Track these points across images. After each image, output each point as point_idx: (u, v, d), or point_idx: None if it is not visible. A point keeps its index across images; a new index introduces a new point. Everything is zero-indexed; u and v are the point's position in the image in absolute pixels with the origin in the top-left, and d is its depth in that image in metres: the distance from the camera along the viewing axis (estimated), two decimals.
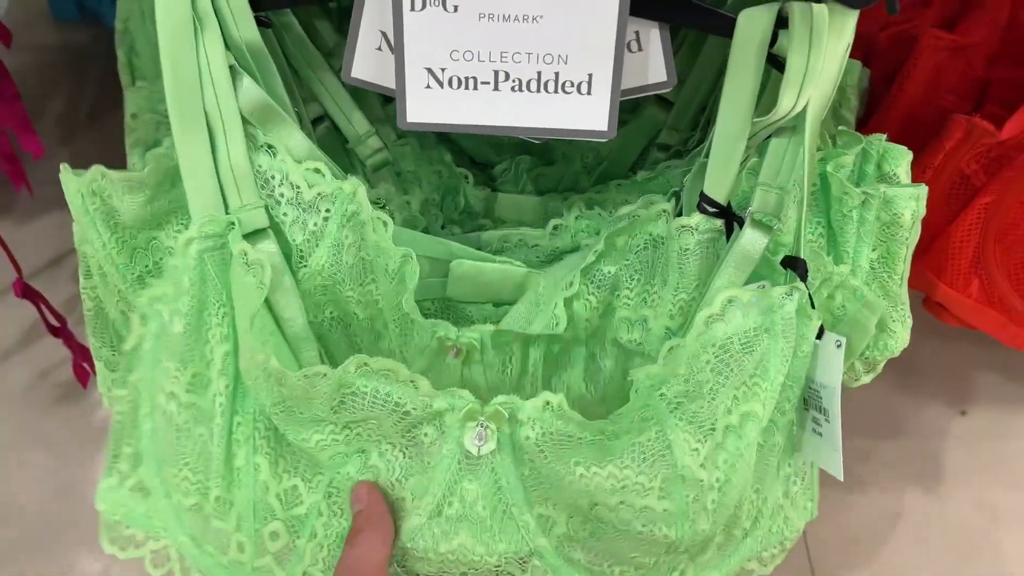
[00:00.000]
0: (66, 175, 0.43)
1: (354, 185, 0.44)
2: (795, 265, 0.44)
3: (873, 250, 0.49)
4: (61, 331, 0.66)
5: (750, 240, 0.44)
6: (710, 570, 0.48)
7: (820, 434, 0.48)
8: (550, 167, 0.62)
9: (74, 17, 1.17)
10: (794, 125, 0.44)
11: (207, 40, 0.43)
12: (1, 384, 0.88)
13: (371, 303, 0.46)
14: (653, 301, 0.47)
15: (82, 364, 0.70)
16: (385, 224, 0.45)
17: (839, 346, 0.45)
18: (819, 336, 0.45)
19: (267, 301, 0.45)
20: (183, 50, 0.42)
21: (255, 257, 0.43)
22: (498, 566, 0.44)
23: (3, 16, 1.09)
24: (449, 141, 0.62)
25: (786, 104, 0.41)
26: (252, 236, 0.44)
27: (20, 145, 0.72)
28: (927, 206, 0.61)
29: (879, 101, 0.63)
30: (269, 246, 0.45)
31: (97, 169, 0.43)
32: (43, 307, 0.65)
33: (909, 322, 0.52)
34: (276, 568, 0.46)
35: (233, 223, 0.43)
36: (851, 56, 0.54)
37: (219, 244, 0.43)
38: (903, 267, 0.50)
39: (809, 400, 0.48)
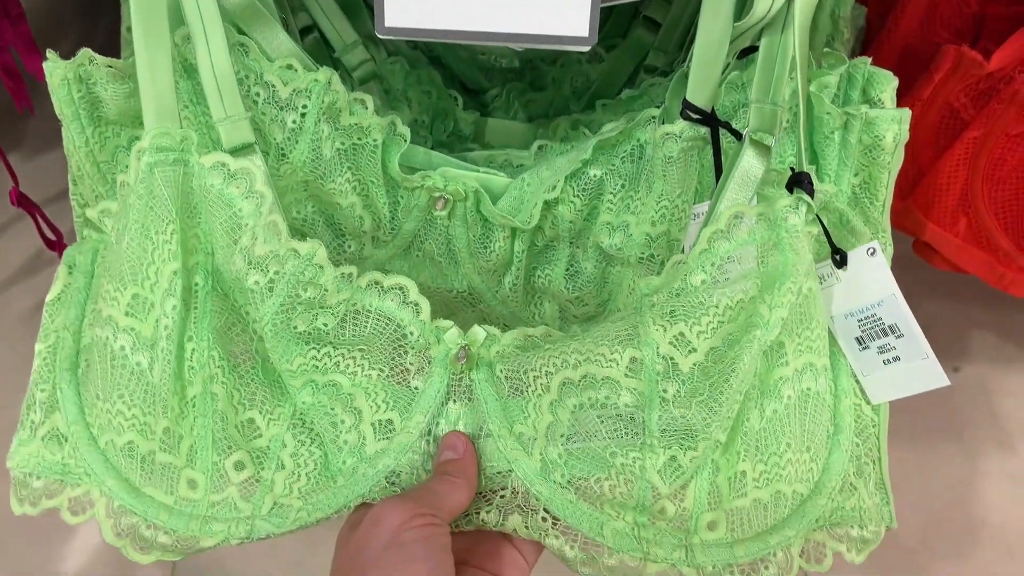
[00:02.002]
0: (51, 62, 0.43)
1: (328, 74, 0.44)
2: (800, 180, 0.43)
3: (855, 175, 0.49)
4: (58, 244, 0.67)
5: (751, 160, 0.44)
6: (761, 531, 0.43)
7: (898, 358, 0.44)
8: (540, 93, 0.62)
9: None
10: (782, 34, 0.44)
11: None
12: (4, 311, 0.90)
13: (352, 190, 0.47)
14: (636, 207, 0.47)
15: None
16: (364, 102, 0.45)
17: (872, 253, 0.43)
18: (843, 263, 0.43)
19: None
20: None
21: (240, 166, 0.42)
22: (480, 480, 0.44)
23: None
24: (439, 64, 0.62)
25: (762, 5, 0.41)
26: (237, 152, 0.43)
27: (25, 67, 0.73)
28: (916, 142, 0.61)
29: (874, 39, 0.63)
30: (255, 163, 0.43)
31: (85, 52, 0.43)
32: (39, 219, 0.66)
33: (890, 251, 0.52)
34: (240, 501, 0.44)
35: (189, 137, 0.42)
36: None
37: (171, 159, 0.42)
38: (885, 193, 0.49)
39: (865, 334, 0.45)
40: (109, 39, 0.49)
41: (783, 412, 0.42)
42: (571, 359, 0.42)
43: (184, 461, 0.43)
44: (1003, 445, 0.83)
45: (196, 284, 0.44)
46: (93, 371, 0.44)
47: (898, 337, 0.44)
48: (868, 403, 0.48)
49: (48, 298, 0.47)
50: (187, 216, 0.43)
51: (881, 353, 0.45)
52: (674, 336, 0.41)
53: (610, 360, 0.41)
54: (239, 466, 0.43)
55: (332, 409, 0.43)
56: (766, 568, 0.43)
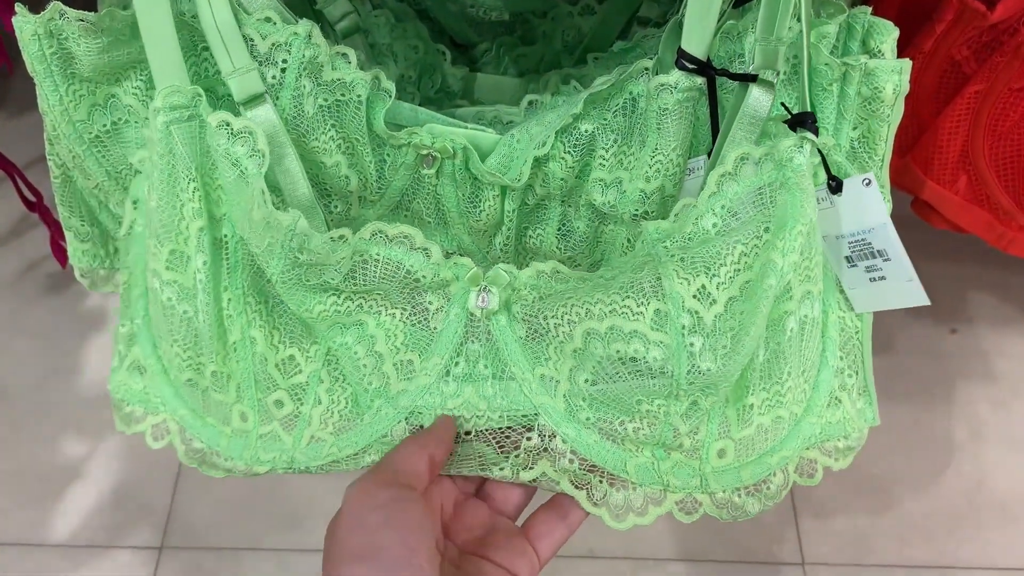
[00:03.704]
0: (21, 17, 0.42)
1: (308, 27, 0.43)
2: (803, 120, 0.42)
3: (854, 128, 0.48)
4: (37, 206, 0.66)
5: (756, 99, 0.43)
6: (762, 454, 0.46)
7: (884, 278, 0.46)
8: (531, 47, 0.60)
9: None
10: None
11: None
12: None
13: (337, 148, 0.46)
14: (629, 163, 0.46)
15: (60, 243, 0.70)
16: (346, 56, 0.44)
17: (868, 184, 0.44)
18: (838, 190, 0.44)
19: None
20: None
21: (241, 125, 0.42)
22: (501, 424, 0.45)
23: None
24: (427, 18, 0.61)
25: None
26: (249, 103, 0.43)
27: (3, 25, 0.71)
28: (916, 97, 0.59)
29: None
30: (267, 112, 0.43)
31: (55, 6, 0.42)
32: (18, 179, 0.64)
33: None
34: (283, 433, 0.47)
35: (199, 93, 0.42)
36: None
37: (185, 116, 0.42)
38: (884, 147, 0.48)
39: (855, 254, 0.46)
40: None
41: (786, 343, 0.44)
42: (595, 310, 0.42)
43: (234, 398, 0.46)
44: (999, 405, 0.83)
45: (225, 235, 0.44)
46: (154, 314, 0.47)
47: (885, 260, 0.46)
48: (851, 311, 0.49)
49: (120, 233, 0.48)
50: (208, 170, 0.43)
51: (868, 272, 0.46)
52: (697, 290, 0.41)
53: (636, 313, 0.42)
54: (279, 404, 0.46)
55: (355, 352, 0.45)
56: (768, 487, 0.46)
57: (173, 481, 0.77)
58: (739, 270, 0.41)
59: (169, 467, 0.77)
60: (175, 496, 0.76)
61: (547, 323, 0.44)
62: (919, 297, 0.45)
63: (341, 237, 0.42)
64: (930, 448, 0.80)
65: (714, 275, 0.41)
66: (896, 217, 0.51)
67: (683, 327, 0.41)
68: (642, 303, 0.42)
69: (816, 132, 0.42)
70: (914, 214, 0.66)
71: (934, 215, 0.64)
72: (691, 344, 0.41)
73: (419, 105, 0.54)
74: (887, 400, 0.83)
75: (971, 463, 0.80)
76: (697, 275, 0.41)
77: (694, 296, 0.41)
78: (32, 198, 0.67)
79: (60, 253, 0.71)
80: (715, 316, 0.41)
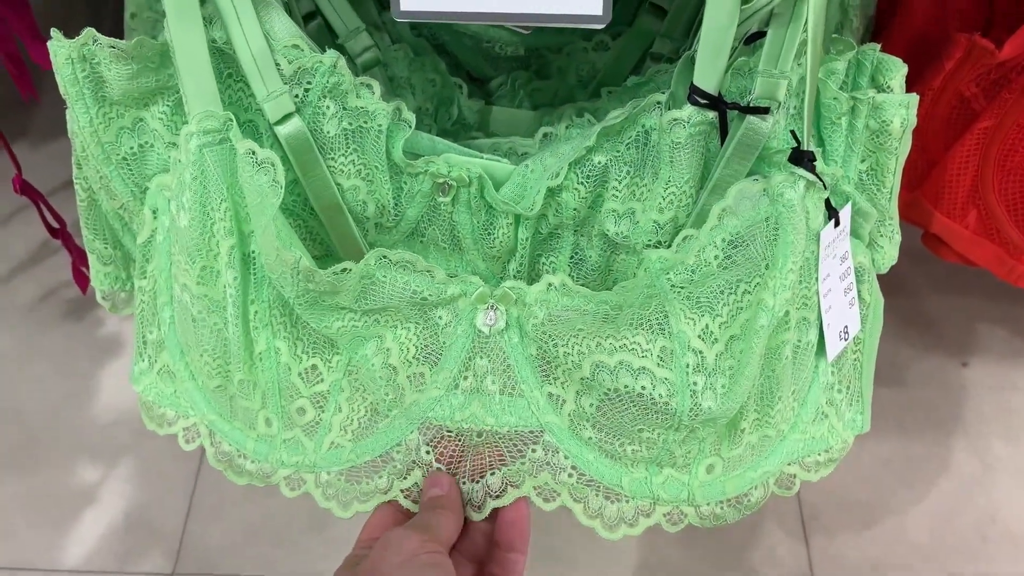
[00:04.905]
0: (56, 42, 0.43)
1: (333, 57, 0.44)
2: (800, 159, 0.44)
3: (862, 161, 0.49)
4: (60, 232, 0.67)
5: (751, 127, 0.44)
6: (743, 468, 0.48)
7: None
8: (546, 81, 0.62)
9: None
10: (792, 16, 0.44)
11: None
12: (8, 299, 0.90)
13: (356, 173, 0.47)
14: (642, 194, 0.47)
15: (81, 268, 0.71)
16: (370, 87, 0.45)
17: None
18: (837, 224, 0.46)
19: (293, 184, 0.46)
20: None
21: (265, 155, 0.43)
22: (509, 437, 0.47)
23: None
24: (445, 53, 0.62)
25: None
26: (280, 122, 0.45)
27: (29, 55, 0.73)
28: (926, 133, 0.60)
29: (884, 28, 0.62)
30: (296, 124, 0.45)
31: (89, 32, 0.43)
32: (43, 206, 0.66)
33: (897, 238, 0.52)
34: (304, 439, 0.49)
35: (231, 118, 0.44)
36: None
37: (218, 139, 0.44)
38: (892, 180, 0.49)
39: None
40: (114, 27, 0.49)
41: (780, 370, 0.46)
42: (605, 344, 0.44)
43: (259, 405, 0.48)
44: (1012, 439, 0.83)
45: (252, 251, 0.46)
46: (181, 324, 0.48)
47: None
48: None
49: (139, 240, 0.49)
50: (238, 191, 0.45)
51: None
52: (702, 329, 0.44)
53: (645, 351, 0.44)
54: (301, 412, 0.48)
55: (373, 364, 0.47)
56: (748, 499, 0.49)
57: (186, 506, 0.77)
58: (740, 308, 0.43)
59: (182, 492, 0.77)
60: (187, 521, 0.76)
61: (557, 350, 0.45)
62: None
63: (344, 270, 0.44)
64: (942, 481, 0.80)
65: (717, 314, 0.43)
66: (906, 250, 0.52)
67: (687, 365, 0.44)
68: (651, 340, 0.44)
69: (813, 170, 0.43)
70: (924, 247, 0.67)
71: (944, 248, 0.65)
72: (694, 383, 0.44)
73: (434, 136, 0.55)
74: (899, 433, 0.83)
75: (984, 496, 0.80)
76: (702, 315, 0.44)
77: (699, 336, 0.44)
78: (56, 225, 0.68)
79: (81, 279, 0.72)
80: (716, 355, 0.44)
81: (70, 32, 0.44)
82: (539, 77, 0.62)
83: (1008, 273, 0.64)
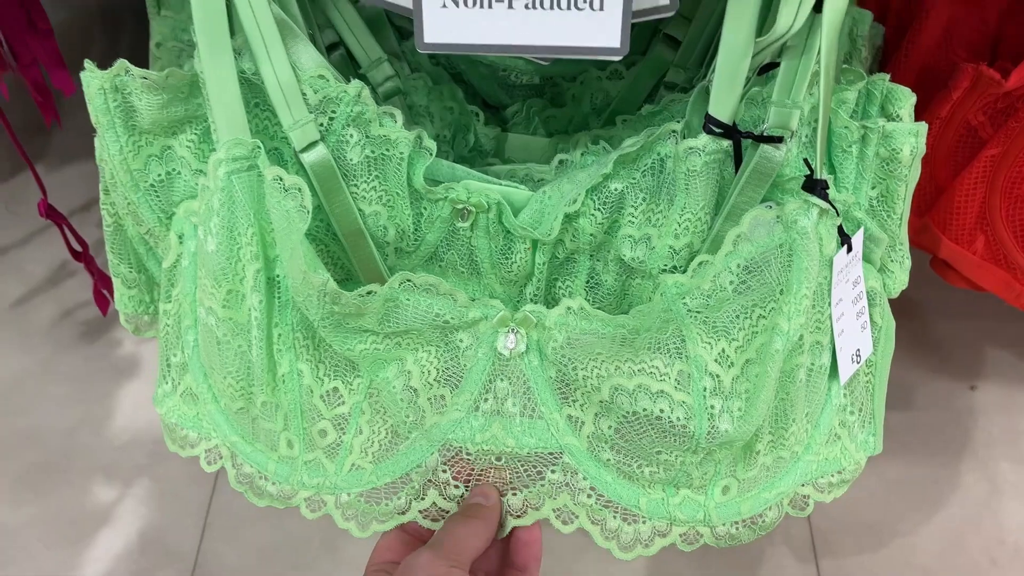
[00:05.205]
0: (89, 72, 0.45)
1: (358, 87, 0.45)
2: (813, 187, 0.45)
3: (872, 188, 0.50)
4: (83, 256, 0.68)
5: (766, 155, 0.46)
6: (758, 489, 0.49)
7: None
8: (560, 109, 0.63)
9: None
10: (804, 48, 0.45)
11: None
12: (27, 320, 0.91)
13: (378, 199, 0.48)
14: (658, 220, 0.48)
15: (102, 291, 0.72)
16: (393, 116, 0.47)
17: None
18: (850, 250, 0.47)
19: (317, 209, 0.47)
20: None
21: (292, 182, 0.45)
22: (529, 459, 0.48)
23: None
24: (461, 81, 0.63)
25: (785, 20, 0.42)
26: (305, 149, 0.46)
27: (52, 82, 0.74)
28: (934, 160, 0.61)
29: (892, 57, 0.64)
30: (321, 151, 0.46)
31: (121, 63, 0.45)
32: (66, 229, 0.67)
33: (908, 263, 0.53)
34: (326, 461, 0.49)
35: (259, 146, 0.45)
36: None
37: (246, 166, 0.45)
38: (902, 206, 0.50)
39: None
40: (133, 53, 0.50)
41: (794, 392, 0.47)
42: (624, 367, 0.45)
43: (281, 426, 0.49)
44: (1020, 462, 0.83)
45: (277, 275, 0.47)
46: (205, 347, 0.49)
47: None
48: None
49: (164, 265, 0.51)
50: (264, 217, 0.46)
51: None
52: (718, 353, 0.45)
53: (663, 374, 0.45)
54: (322, 434, 0.49)
55: (394, 387, 0.47)
56: (763, 520, 0.50)
57: (200, 527, 0.78)
58: (756, 333, 0.45)
59: (197, 513, 0.78)
60: (202, 542, 0.77)
61: (576, 373, 0.46)
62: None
63: (370, 293, 0.45)
64: (951, 504, 0.80)
65: (733, 339, 0.45)
66: (913, 275, 0.53)
67: (704, 389, 0.45)
68: (668, 364, 0.45)
69: (826, 198, 0.45)
70: (933, 272, 0.67)
71: (952, 273, 0.66)
72: (712, 406, 0.45)
73: (453, 163, 0.56)
74: (907, 456, 0.83)
75: (993, 519, 0.80)
76: (718, 339, 0.45)
77: (715, 360, 0.45)
78: (79, 248, 0.70)
79: (101, 301, 0.73)
80: (733, 378, 0.45)
81: (87, 55, 0.46)
82: (553, 105, 0.63)
83: (1016, 298, 0.64)
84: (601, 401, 0.46)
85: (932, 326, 0.92)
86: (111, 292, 0.77)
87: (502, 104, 0.64)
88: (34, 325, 0.91)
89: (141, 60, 0.59)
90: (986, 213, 0.61)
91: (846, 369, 0.49)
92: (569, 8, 0.43)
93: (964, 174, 0.60)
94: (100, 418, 0.84)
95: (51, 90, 0.74)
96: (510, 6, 0.44)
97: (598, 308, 0.47)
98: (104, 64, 0.46)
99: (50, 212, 0.64)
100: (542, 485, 0.48)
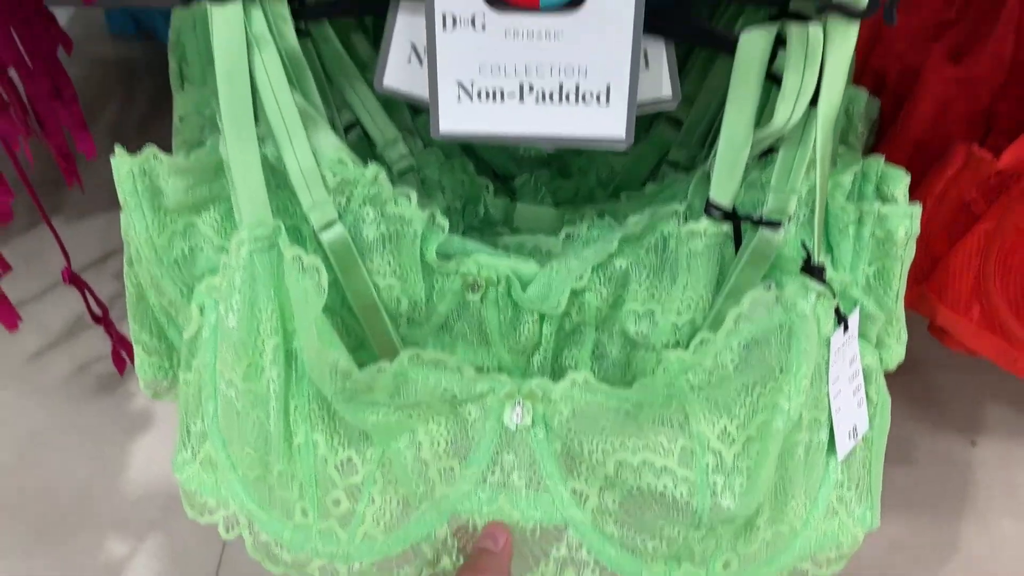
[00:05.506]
0: (119, 157, 0.47)
1: (375, 171, 0.48)
2: (812, 271, 0.47)
3: (869, 264, 0.51)
4: (103, 319, 0.70)
5: (764, 239, 0.48)
6: (759, 565, 0.51)
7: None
8: (567, 180, 0.65)
9: (130, 32, 1.24)
10: (801, 139, 0.47)
11: (266, 58, 0.46)
12: (42, 373, 0.93)
13: (392, 273, 0.50)
14: (661, 297, 0.50)
15: (120, 353, 0.74)
16: (408, 196, 0.49)
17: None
18: (846, 328, 0.49)
19: (333, 284, 0.49)
20: (238, 69, 0.46)
21: (310, 262, 0.47)
22: (535, 532, 0.49)
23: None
24: (472, 153, 0.65)
25: (781, 117, 0.44)
26: (324, 228, 0.48)
27: (75, 145, 0.77)
28: (929, 234, 0.63)
29: (887, 130, 0.66)
30: (339, 230, 0.48)
31: (151, 150, 0.47)
32: (88, 295, 0.69)
33: (904, 337, 0.54)
34: (339, 529, 0.51)
35: (280, 227, 0.47)
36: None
37: (267, 245, 0.47)
38: (898, 283, 0.52)
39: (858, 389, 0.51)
40: (151, 104, 0.52)
41: (793, 468, 0.49)
42: (629, 443, 0.47)
43: (296, 495, 0.50)
44: (1021, 518, 0.83)
45: (295, 348, 0.49)
46: (225, 417, 0.51)
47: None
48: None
49: (186, 336, 0.52)
50: (283, 293, 0.48)
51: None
52: (720, 431, 0.47)
53: (667, 450, 0.47)
54: (336, 503, 0.50)
55: (405, 457, 0.49)
56: None
57: None
58: (756, 411, 0.46)
59: (207, 570, 0.79)
60: None
61: (582, 447, 0.48)
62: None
63: (379, 369, 0.46)
64: (952, 561, 0.81)
65: (734, 416, 0.46)
66: (916, 330, 0.55)
67: (707, 465, 0.46)
68: (672, 439, 0.46)
69: (824, 281, 0.47)
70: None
71: (949, 339, 0.67)
72: (714, 483, 0.46)
73: (463, 232, 0.58)
74: (907, 512, 0.83)
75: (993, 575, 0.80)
76: (720, 416, 0.47)
77: (718, 437, 0.46)
78: (99, 312, 0.72)
79: (119, 362, 0.74)
80: (734, 455, 0.46)
81: (105, 111, 0.48)
82: (561, 176, 0.66)
83: (1011, 364, 0.66)
84: (606, 475, 0.48)
85: (932, 380, 0.93)
86: (129, 353, 0.79)
87: (511, 174, 0.66)
88: (50, 378, 0.92)
89: (158, 110, 0.61)
90: (981, 283, 0.62)
91: (843, 445, 0.51)
92: (577, 102, 0.46)
93: (959, 246, 0.61)
94: (113, 472, 0.85)
95: (74, 154, 0.76)
96: (521, 100, 0.46)
97: (603, 378, 0.49)
98: (122, 120, 0.48)
99: (73, 279, 0.66)
100: (546, 565, 0.49)
